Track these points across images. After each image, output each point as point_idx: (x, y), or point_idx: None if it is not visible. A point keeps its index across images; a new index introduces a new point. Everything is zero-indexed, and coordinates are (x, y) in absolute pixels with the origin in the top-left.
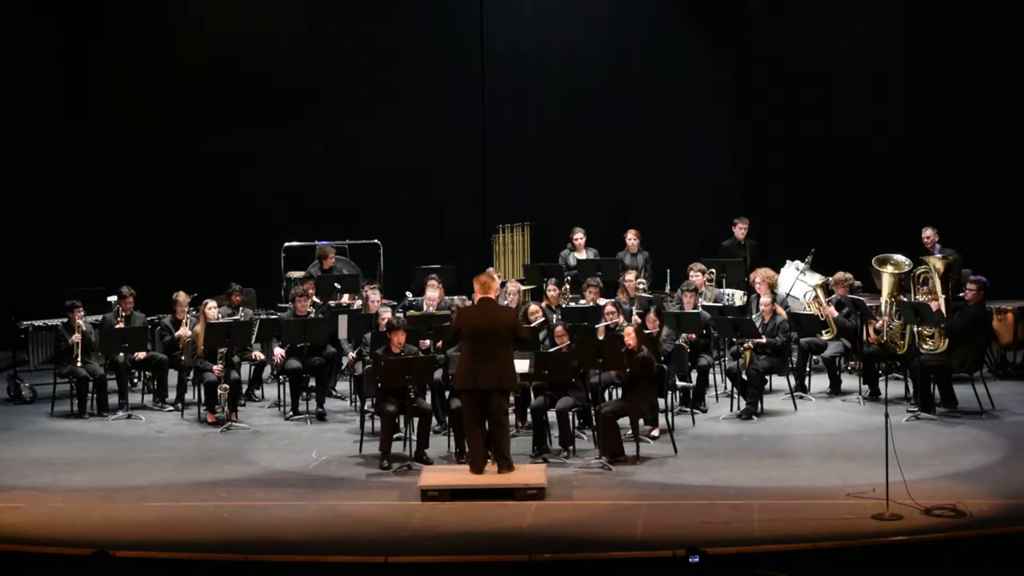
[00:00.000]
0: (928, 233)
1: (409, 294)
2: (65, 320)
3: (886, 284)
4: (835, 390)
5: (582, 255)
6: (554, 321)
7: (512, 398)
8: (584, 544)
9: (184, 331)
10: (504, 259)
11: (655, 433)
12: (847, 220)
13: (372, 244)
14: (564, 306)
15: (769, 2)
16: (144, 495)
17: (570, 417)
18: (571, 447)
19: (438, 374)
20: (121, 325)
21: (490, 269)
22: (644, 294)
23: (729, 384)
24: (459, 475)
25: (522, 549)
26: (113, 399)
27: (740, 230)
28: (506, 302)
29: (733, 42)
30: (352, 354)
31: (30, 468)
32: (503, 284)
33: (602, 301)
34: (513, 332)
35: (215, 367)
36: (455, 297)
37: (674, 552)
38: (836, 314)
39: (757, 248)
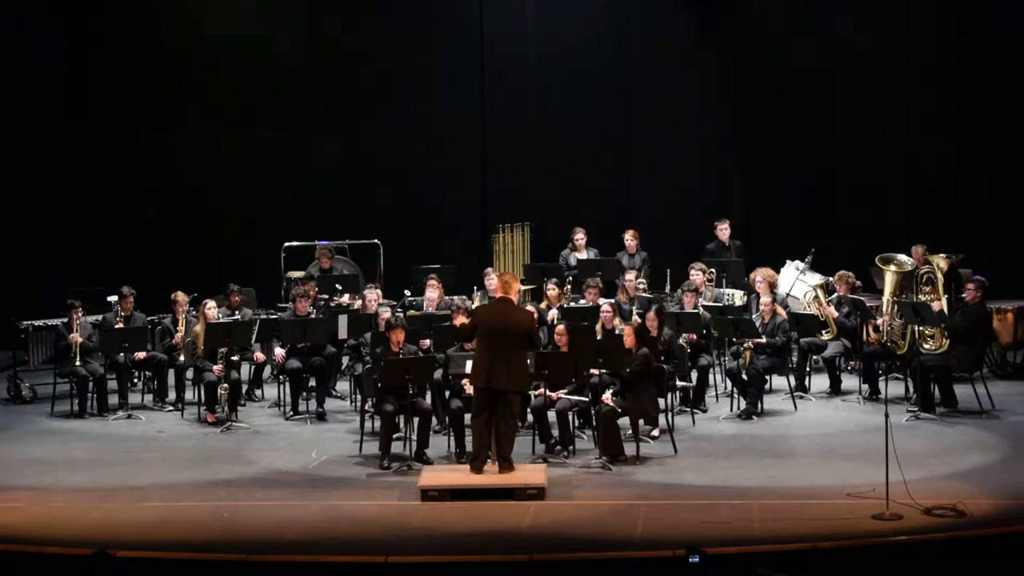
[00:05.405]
0: (919, 251)
1: (409, 294)
2: (65, 320)
3: (888, 283)
4: (835, 390)
5: (583, 255)
6: (552, 321)
7: None
8: (584, 544)
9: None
10: (504, 259)
11: (655, 433)
12: (847, 220)
13: (372, 244)
14: (564, 306)
15: (769, 2)
16: (144, 495)
17: (570, 417)
18: (571, 447)
19: (438, 374)
20: (121, 325)
21: (488, 269)
22: (644, 294)
23: (729, 384)
24: (459, 475)
25: (522, 549)
26: (113, 399)
27: (723, 231)
28: None
29: (733, 42)
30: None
31: (30, 468)
32: None
33: (602, 301)
34: (528, 335)
35: (215, 367)
36: (455, 297)
37: (674, 552)
38: (836, 314)
39: (742, 248)
